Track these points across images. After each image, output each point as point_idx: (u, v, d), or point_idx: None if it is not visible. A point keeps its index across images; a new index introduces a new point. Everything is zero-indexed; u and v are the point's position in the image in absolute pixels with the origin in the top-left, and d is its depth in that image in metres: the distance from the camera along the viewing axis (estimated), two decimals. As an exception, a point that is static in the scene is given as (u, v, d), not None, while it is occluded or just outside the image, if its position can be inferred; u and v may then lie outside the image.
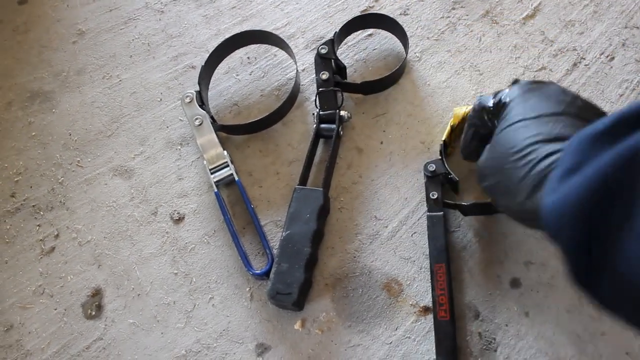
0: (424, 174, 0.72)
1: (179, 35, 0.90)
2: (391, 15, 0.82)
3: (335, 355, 0.66)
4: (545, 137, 0.49)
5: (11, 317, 0.71)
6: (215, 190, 0.73)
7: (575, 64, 0.81)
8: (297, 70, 0.80)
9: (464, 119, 0.71)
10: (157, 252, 0.73)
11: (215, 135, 0.76)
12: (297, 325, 0.68)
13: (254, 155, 0.78)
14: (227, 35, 0.82)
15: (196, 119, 0.77)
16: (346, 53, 0.85)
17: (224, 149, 0.75)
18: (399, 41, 0.84)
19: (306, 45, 0.86)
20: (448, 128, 0.73)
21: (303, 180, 0.73)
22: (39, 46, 0.92)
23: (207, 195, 0.76)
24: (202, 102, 0.78)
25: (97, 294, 0.72)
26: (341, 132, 0.77)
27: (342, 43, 0.85)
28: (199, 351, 0.67)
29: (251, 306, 0.69)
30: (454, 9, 0.88)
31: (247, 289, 0.70)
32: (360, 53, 0.85)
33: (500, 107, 0.57)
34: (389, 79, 0.80)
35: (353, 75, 0.83)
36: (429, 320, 0.67)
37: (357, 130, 0.79)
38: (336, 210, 0.74)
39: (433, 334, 0.65)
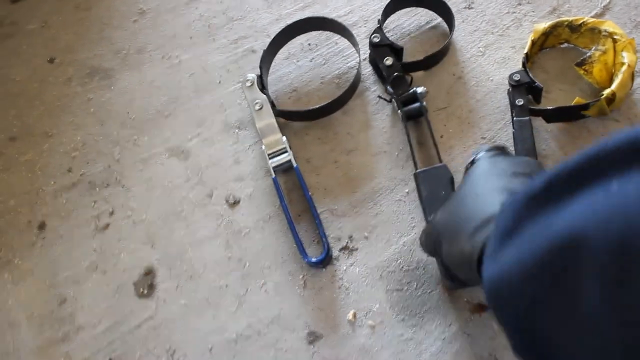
0: (509, 83, 0.76)
1: (240, 19, 0.90)
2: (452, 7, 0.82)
3: (387, 348, 0.65)
4: (504, 187, 0.52)
5: (65, 291, 0.71)
6: (273, 175, 0.73)
7: (645, 65, 0.78)
8: (359, 60, 0.79)
9: (543, 33, 0.79)
10: (211, 234, 0.73)
11: (274, 120, 0.75)
12: (349, 316, 0.67)
13: (313, 142, 0.77)
14: (289, 21, 0.82)
15: (256, 103, 0.76)
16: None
17: (282, 135, 0.75)
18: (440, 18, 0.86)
19: (368, 34, 0.85)
20: (529, 42, 0.79)
21: (416, 164, 0.73)
22: (100, 23, 0.92)
23: (263, 180, 0.76)
24: (263, 86, 0.78)
25: (149, 273, 0.72)
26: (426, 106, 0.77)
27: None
28: (250, 336, 0.67)
29: (304, 294, 0.69)
30: (520, 4, 0.86)
31: (301, 276, 0.70)
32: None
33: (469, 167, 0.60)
34: (441, 53, 0.81)
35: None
36: (483, 318, 0.66)
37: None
38: (393, 202, 0.73)
39: (487, 331, 0.64)
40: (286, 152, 0.74)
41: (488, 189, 0.53)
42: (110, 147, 0.80)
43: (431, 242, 0.60)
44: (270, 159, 0.73)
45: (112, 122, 0.82)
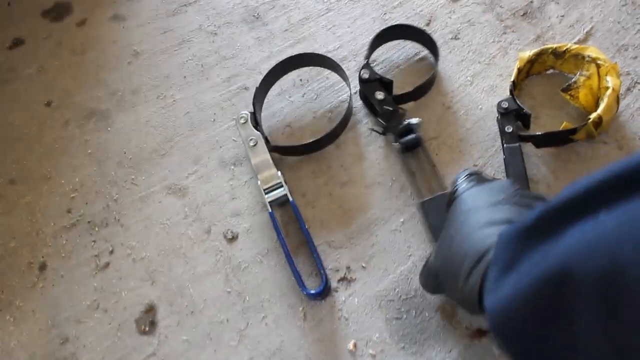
0: (498, 111, 0.78)
1: (232, 57, 0.92)
2: (420, 27, 0.86)
3: (388, 378, 0.66)
4: (488, 221, 0.54)
5: (66, 330, 0.72)
6: (270, 210, 0.74)
7: (629, 89, 0.80)
8: (350, 93, 0.81)
9: (529, 61, 0.81)
10: (211, 270, 0.74)
11: (269, 156, 0.77)
12: (350, 346, 0.68)
13: (307, 176, 0.79)
14: (280, 58, 0.84)
15: (250, 139, 0.78)
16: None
17: (277, 170, 0.76)
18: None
19: (358, 68, 0.87)
20: (515, 70, 0.81)
21: (419, 194, 0.75)
22: (95, 66, 0.94)
23: (260, 215, 0.77)
24: (257, 123, 0.79)
25: (150, 310, 0.72)
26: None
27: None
28: (252, 370, 0.68)
29: (304, 326, 0.69)
30: (505, 33, 0.88)
31: (300, 308, 0.70)
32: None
33: (452, 198, 0.63)
34: (429, 83, 0.83)
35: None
36: (483, 343, 0.66)
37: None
38: (389, 232, 0.74)
39: (487, 357, 0.65)
40: (282, 186, 0.75)
41: (474, 226, 0.55)
42: (108, 187, 0.82)
43: (431, 282, 0.63)
44: (266, 193, 0.75)
45: (110, 163, 0.84)
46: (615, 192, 0.37)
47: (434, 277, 0.61)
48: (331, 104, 0.84)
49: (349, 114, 0.81)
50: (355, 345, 0.68)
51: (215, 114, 0.86)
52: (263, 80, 0.82)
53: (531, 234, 0.43)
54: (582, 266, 0.35)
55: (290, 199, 0.74)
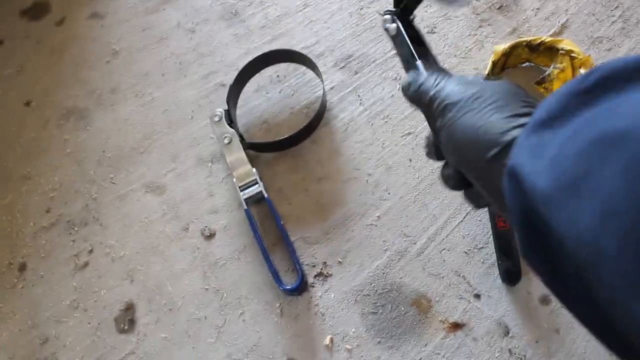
0: None
1: (210, 54, 0.92)
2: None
3: (364, 372, 0.66)
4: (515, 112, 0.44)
5: (47, 330, 0.72)
6: (245, 207, 0.74)
7: (604, 81, 0.81)
8: (323, 89, 0.81)
9: (504, 54, 0.81)
10: (189, 267, 0.74)
11: (244, 153, 0.77)
12: (326, 341, 0.68)
13: (283, 172, 0.79)
14: (257, 54, 0.84)
15: (225, 137, 0.78)
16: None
17: (252, 167, 0.77)
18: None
19: (335, 63, 0.87)
20: (490, 64, 0.81)
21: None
22: (74, 65, 0.94)
23: (237, 211, 0.77)
24: (231, 120, 0.80)
25: (129, 308, 0.73)
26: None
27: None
28: (230, 366, 0.68)
29: (281, 322, 0.70)
30: (480, 26, 0.89)
31: (277, 304, 0.71)
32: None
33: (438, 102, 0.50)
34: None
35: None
36: (458, 337, 0.67)
37: (386, 148, 0.79)
38: (364, 227, 0.74)
39: (463, 350, 0.65)
40: (257, 183, 0.75)
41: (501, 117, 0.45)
42: (87, 186, 0.82)
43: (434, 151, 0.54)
44: (241, 191, 0.75)
45: (89, 162, 0.84)
46: None
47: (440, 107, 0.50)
48: (308, 100, 0.85)
49: (322, 109, 0.81)
50: (331, 340, 0.68)
51: (193, 111, 0.87)
52: (237, 77, 0.82)
53: (587, 96, 0.37)
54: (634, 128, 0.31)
55: (266, 195, 0.75)
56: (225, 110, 0.80)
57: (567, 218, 0.35)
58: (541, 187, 0.36)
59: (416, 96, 0.52)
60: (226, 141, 0.78)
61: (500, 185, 0.41)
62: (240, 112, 0.85)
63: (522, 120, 0.43)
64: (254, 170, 0.76)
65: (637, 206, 0.30)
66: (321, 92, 0.84)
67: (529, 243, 0.39)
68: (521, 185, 0.38)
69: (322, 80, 0.82)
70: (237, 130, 0.79)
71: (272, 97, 0.86)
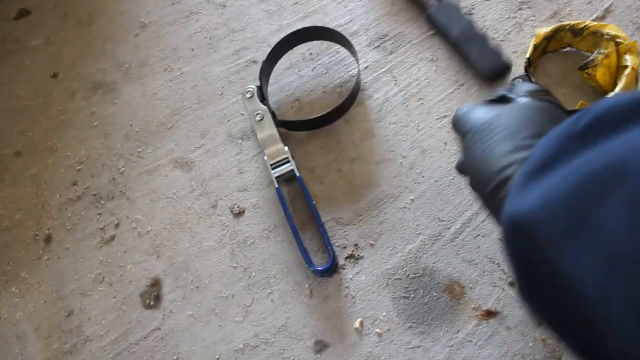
0: None
1: (241, 30, 0.90)
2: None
3: (395, 356, 0.65)
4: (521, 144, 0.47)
5: (72, 303, 0.71)
6: (277, 185, 0.73)
7: (647, 68, 0.78)
8: (358, 68, 0.79)
9: (545, 38, 0.79)
10: (217, 245, 0.73)
11: (276, 131, 0.76)
12: (356, 324, 0.67)
13: (316, 151, 0.78)
14: (290, 31, 0.82)
15: (257, 114, 0.77)
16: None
17: (284, 145, 0.75)
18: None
19: (369, 42, 0.85)
20: (531, 47, 0.78)
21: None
22: (102, 38, 0.93)
23: (267, 190, 0.76)
24: (263, 97, 0.78)
25: (155, 284, 0.72)
26: None
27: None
28: (257, 345, 0.67)
29: (310, 303, 0.69)
30: (520, 9, 0.86)
31: (307, 285, 0.70)
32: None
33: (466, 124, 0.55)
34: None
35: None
36: (491, 325, 0.65)
37: (421, 131, 0.77)
38: (398, 210, 0.73)
39: (495, 338, 0.64)
40: (289, 162, 0.74)
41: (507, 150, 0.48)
42: (114, 160, 0.81)
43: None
44: (272, 169, 0.74)
45: (116, 135, 0.83)
46: None
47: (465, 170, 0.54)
48: (341, 79, 0.83)
49: (357, 88, 0.79)
50: (361, 324, 0.67)
51: (223, 87, 0.85)
52: (270, 53, 0.81)
53: (578, 139, 0.37)
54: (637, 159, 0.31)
55: (297, 174, 0.73)
56: (257, 86, 0.78)
57: (570, 263, 0.34)
58: (540, 235, 0.36)
59: (453, 119, 0.58)
60: (258, 118, 0.76)
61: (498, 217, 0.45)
62: (271, 89, 0.83)
63: (523, 154, 0.45)
64: (286, 148, 0.74)
65: None
66: (356, 70, 0.83)
67: (531, 291, 0.39)
68: (520, 237, 0.39)
69: (357, 59, 0.80)
70: (269, 107, 0.77)
71: (304, 75, 0.84)
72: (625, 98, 0.36)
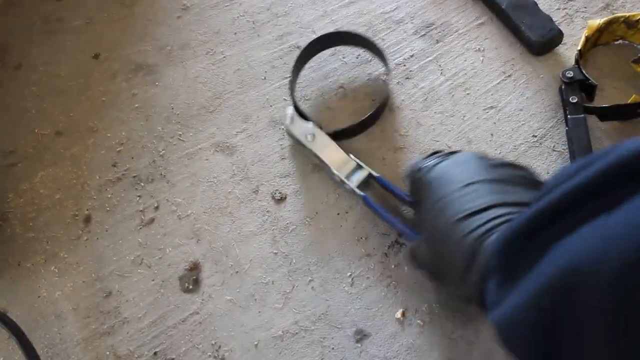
0: (562, 80, 0.74)
1: (285, 15, 0.89)
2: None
3: (436, 348, 0.64)
4: (469, 211, 0.50)
5: (110, 284, 0.71)
6: (363, 194, 0.70)
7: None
8: (387, 81, 0.78)
9: (598, 30, 0.78)
10: (257, 230, 0.72)
11: (334, 143, 0.73)
12: (398, 314, 0.66)
13: (360, 140, 0.77)
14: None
15: (307, 135, 0.74)
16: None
17: (347, 153, 0.73)
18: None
19: (415, 30, 0.84)
20: (583, 38, 0.77)
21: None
22: (144, 19, 0.92)
23: (309, 176, 0.75)
24: (303, 114, 0.76)
25: (195, 268, 0.71)
26: None
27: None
28: (297, 333, 0.66)
29: (351, 291, 0.68)
30: (571, 0, 0.84)
31: (348, 274, 0.68)
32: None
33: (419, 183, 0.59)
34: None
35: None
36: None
37: (467, 121, 0.76)
38: (442, 200, 0.71)
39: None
40: (361, 167, 0.72)
41: (455, 222, 0.52)
42: (154, 143, 0.80)
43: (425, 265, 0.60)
44: (348, 180, 0.71)
45: (157, 118, 0.82)
46: (614, 188, 0.35)
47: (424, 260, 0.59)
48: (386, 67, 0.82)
49: (385, 101, 0.77)
50: (403, 314, 0.66)
51: (266, 72, 0.84)
52: (298, 59, 0.79)
53: (528, 237, 0.41)
54: (593, 265, 0.32)
55: (376, 175, 0.71)
56: (294, 107, 0.76)
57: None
58: (529, 350, 0.41)
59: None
60: (310, 139, 0.73)
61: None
62: (315, 75, 0.82)
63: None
64: (352, 155, 0.72)
65: None
66: (400, 59, 0.81)
67: None
68: (513, 338, 0.42)
69: (387, 71, 0.78)
70: (315, 122, 0.75)
71: (349, 61, 0.83)
72: (556, 199, 0.38)
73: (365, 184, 0.71)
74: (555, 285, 0.36)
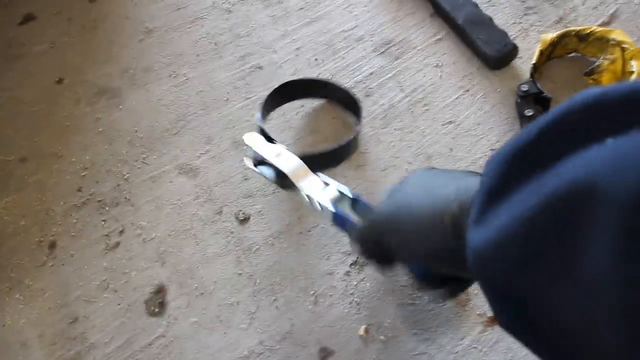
0: (517, 94, 0.76)
1: (246, 35, 0.90)
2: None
3: (400, 364, 0.65)
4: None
5: (76, 310, 0.71)
6: (334, 210, 0.62)
7: (653, 74, 0.78)
8: (357, 132, 0.77)
9: (551, 44, 0.79)
10: (222, 251, 0.73)
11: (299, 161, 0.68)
12: (361, 331, 0.67)
13: (321, 157, 0.77)
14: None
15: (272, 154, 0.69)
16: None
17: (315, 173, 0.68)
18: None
19: (374, 48, 0.85)
20: (537, 52, 0.79)
21: None
22: (107, 43, 0.93)
23: (272, 196, 0.76)
24: (269, 138, 0.73)
25: (160, 291, 0.72)
26: None
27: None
28: (262, 353, 0.67)
29: (315, 310, 0.68)
30: (526, 14, 0.86)
31: (312, 292, 0.69)
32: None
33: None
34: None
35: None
36: (496, 331, 0.65)
37: (426, 137, 0.77)
38: (403, 216, 0.72)
39: (501, 345, 0.64)
40: (328, 184, 0.66)
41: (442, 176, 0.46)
42: (119, 166, 0.81)
43: (373, 245, 0.54)
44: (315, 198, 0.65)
45: (121, 141, 0.83)
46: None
47: (379, 237, 0.51)
48: (346, 85, 0.83)
49: (354, 147, 0.77)
50: (366, 331, 0.67)
51: (228, 93, 0.85)
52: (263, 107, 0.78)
53: (529, 154, 0.34)
54: (609, 179, 0.28)
55: (351, 196, 0.63)
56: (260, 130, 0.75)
57: (554, 295, 0.32)
58: (514, 266, 0.33)
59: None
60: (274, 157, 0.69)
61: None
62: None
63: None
64: (319, 173, 0.68)
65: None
66: (360, 77, 0.82)
67: (512, 321, 0.36)
68: (492, 270, 0.35)
69: (358, 122, 0.78)
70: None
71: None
72: (577, 104, 0.33)
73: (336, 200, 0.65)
74: (560, 198, 0.30)
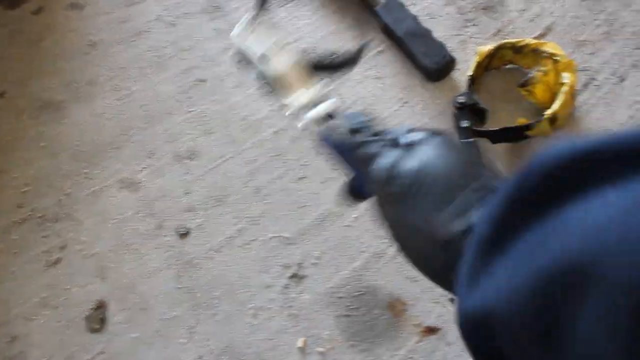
0: (454, 105, 0.77)
1: (190, 49, 0.90)
2: None
3: (338, 375, 0.65)
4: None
5: (15, 328, 0.71)
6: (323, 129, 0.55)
7: (586, 84, 0.80)
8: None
9: (488, 55, 0.80)
10: (162, 266, 0.73)
11: (297, 65, 0.57)
12: (299, 343, 0.67)
13: (260, 170, 0.78)
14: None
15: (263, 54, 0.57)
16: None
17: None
18: None
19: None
20: (474, 64, 0.79)
21: None
22: (51, 56, 0.92)
23: (213, 209, 0.76)
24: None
25: (101, 306, 0.71)
26: None
27: None
28: (201, 367, 0.67)
29: (254, 323, 0.69)
30: (465, 26, 0.88)
31: (251, 305, 0.70)
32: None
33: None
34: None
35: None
36: (432, 341, 0.66)
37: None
38: (342, 228, 0.73)
39: (437, 354, 0.65)
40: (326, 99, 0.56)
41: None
42: (61, 181, 0.80)
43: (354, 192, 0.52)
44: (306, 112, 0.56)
45: (64, 156, 0.82)
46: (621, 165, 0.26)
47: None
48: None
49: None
50: (304, 343, 0.67)
51: (171, 106, 0.85)
52: None
53: (521, 209, 0.31)
54: (602, 257, 0.25)
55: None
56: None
57: None
58: (506, 333, 0.32)
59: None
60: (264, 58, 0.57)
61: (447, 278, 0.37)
62: (220, 107, 0.83)
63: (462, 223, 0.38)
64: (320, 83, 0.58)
65: None
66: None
67: None
68: (481, 334, 0.34)
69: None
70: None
71: (252, 93, 0.84)
72: (579, 147, 0.29)
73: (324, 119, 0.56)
74: (553, 274, 0.28)
